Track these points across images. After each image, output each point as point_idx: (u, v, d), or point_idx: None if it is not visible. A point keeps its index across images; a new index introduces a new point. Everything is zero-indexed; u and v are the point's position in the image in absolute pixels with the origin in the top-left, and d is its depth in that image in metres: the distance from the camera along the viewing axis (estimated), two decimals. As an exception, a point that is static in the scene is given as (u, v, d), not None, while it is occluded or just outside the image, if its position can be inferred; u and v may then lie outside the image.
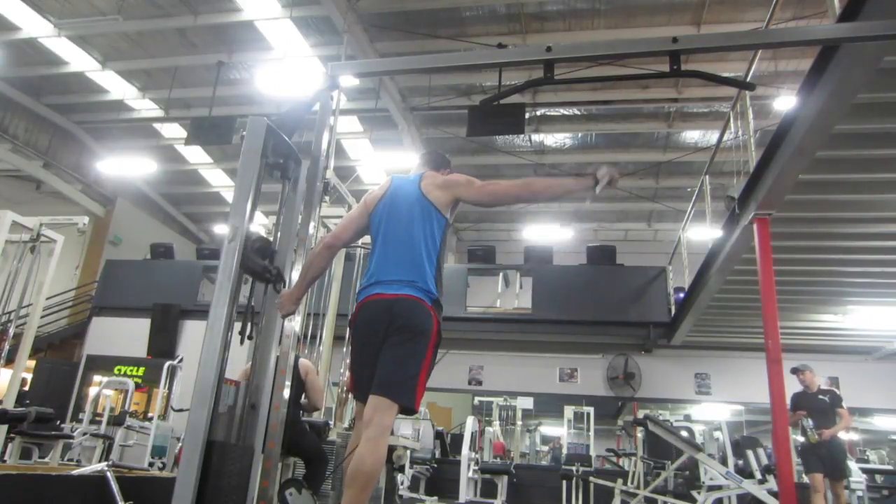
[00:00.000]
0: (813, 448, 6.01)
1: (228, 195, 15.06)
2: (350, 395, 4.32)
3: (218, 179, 15.37)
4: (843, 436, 6.60)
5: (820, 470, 5.92)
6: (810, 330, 8.47)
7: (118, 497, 3.39)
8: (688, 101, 11.12)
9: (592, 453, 9.83)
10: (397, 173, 2.88)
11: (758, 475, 6.92)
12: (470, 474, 8.03)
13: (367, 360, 2.44)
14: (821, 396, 6.23)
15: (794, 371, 6.31)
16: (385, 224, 2.62)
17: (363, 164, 13.28)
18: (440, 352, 2.55)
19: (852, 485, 7.06)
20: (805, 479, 6.27)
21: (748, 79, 5.11)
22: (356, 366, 2.54)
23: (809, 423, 6.07)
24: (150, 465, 7.47)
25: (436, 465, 8.74)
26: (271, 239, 2.94)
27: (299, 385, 4.51)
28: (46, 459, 5.60)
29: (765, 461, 7.41)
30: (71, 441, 6.71)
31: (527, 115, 9.16)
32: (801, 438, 6.23)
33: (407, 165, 10.71)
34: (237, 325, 2.65)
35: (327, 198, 6.33)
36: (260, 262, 2.70)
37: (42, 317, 8.53)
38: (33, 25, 10.19)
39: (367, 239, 2.77)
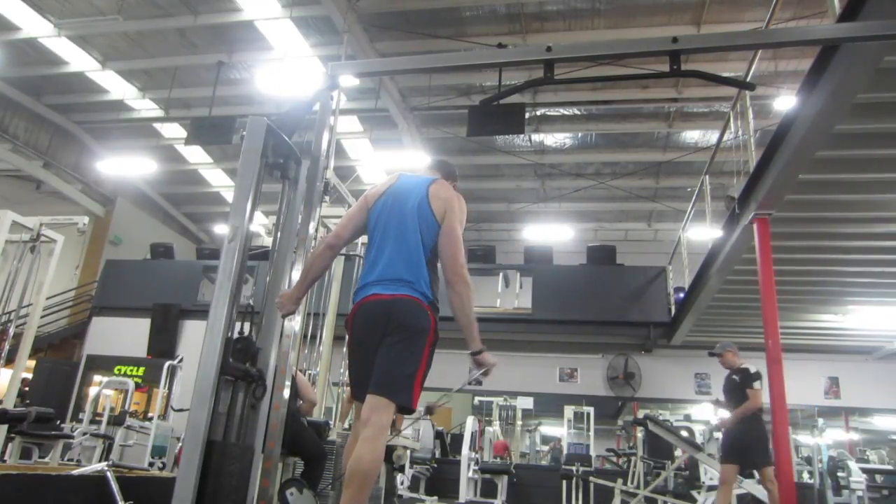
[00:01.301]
0: (725, 435, 5.61)
1: (228, 195, 15.06)
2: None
3: (218, 179, 15.37)
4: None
5: (731, 459, 5.43)
6: (810, 330, 8.47)
7: (118, 497, 3.39)
8: (688, 101, 11.11)
9: (592, 453, 9.82)
10: (405, 172, 2.85)
11: (758, 475, 6.92)
12: (470, 474, 8.02)
13: (364, 361, 2.44)
14: (734, 376, 5.70)
15: (712, 355, 5.90)
16: (384, 220, 2.60)
17: (363, 164, 13.28)
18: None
19: (852, 485, 7.06)
20: (802, 478, 6.16)
21: (748, 79, 5.11)
22: (354, 366, 2.54)
23: (721, 404, 5.74)
24: (150, 465, 7.47)
25: (436, 465, 8.73)
26: (270, 242, 2.93)
27: (292, 383, 4.53)
28: (46, 459, 5.59)
29: (765, 461, 7.41)
30: (71, 441, 6.70)
31: (527, 115, 9.16)
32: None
33: (407, 165, 10.72)
34: (237, 325, 2.66)
35: (327, 198, 6.33)
36: (241, 367, 2.64)
37: (42, 317, 8.52)
38: (33, 25, 10.18)
39: (366, 239, 2.75)
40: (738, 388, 5.56)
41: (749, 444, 5.35)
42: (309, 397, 4.75)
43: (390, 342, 2.39)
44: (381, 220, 2.61)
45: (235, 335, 2.67)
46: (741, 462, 5.42)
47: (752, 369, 5.55)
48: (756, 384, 5.44)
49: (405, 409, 2.39)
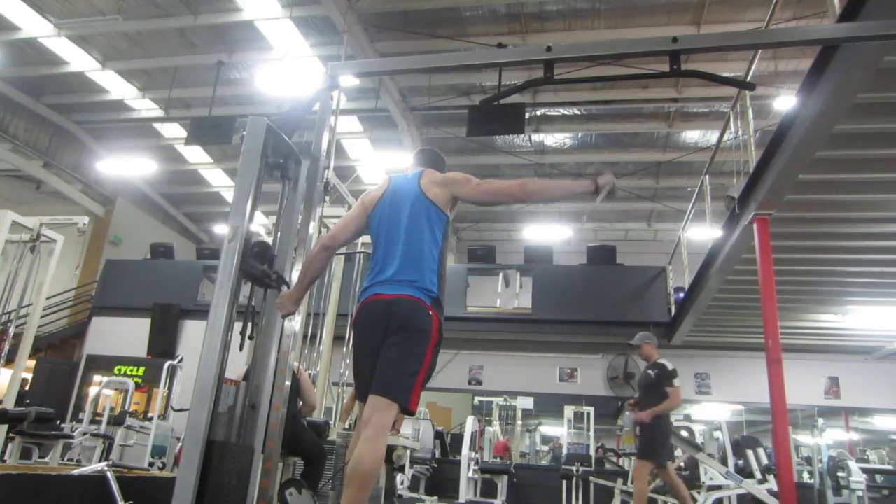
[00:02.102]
0: (642, 431, 5.48)
1: (228, 195, 15.06)
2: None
3: (218, 179, 15.37)
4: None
5: (647, 457, 5.38)
6: (810, 330, 8.47)
7: (118, 497, 3.39)
8: (688, 101, 11.12)
9: (592, 453, 9.83)
10: (395, 173, 2.87)
11: (758, 475, 6.92)
12: (470, 474, 8.02)
13: (368, 361, 2.44)
14: (650, 371, 5.58)
15: (629, 346, 5.75)
16: (385, 224, 2.61)
17: (363, 164, 13.28)
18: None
19: (852, 485, 7.05)
20: (802, 478, 6.12)
21: (748, 79, 5.11)
22: (358, 366, 2.54)
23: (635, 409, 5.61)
24: (150, 465, 7.46)
25: (436, 465, 8.73)
26: (270, 242, 2.93)
27: (294, 383, 4.52)
28: (46, 459, 5.60)
29: (765, 461, 7.41)
30: (71, 441, 6.70)
31: (527, 115, 9.15)
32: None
33: (407, 165, 10.72)
34: (237, 325, 2.66)
35: (327, 198, 6.32)
36: (259, 267, 2.70)
37: (42, 317, 8.52)
38: (33, 25, 10.18)
39: (366, 239, 2.76)
40: (654, 383, 5.49)
41: (651, 439, 5.35)
42: (309, 400, 4.74)
43: (392, 342, 2.39)
44: (383, 223, 2.62)
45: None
46: (656, 459, 5.37)
47: (670, 366, 5.49)
48: (675, 381, 5.40)
49: (405, 409, 2.39)
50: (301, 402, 4.70)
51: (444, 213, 2.60)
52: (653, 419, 5.33)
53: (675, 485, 5.42)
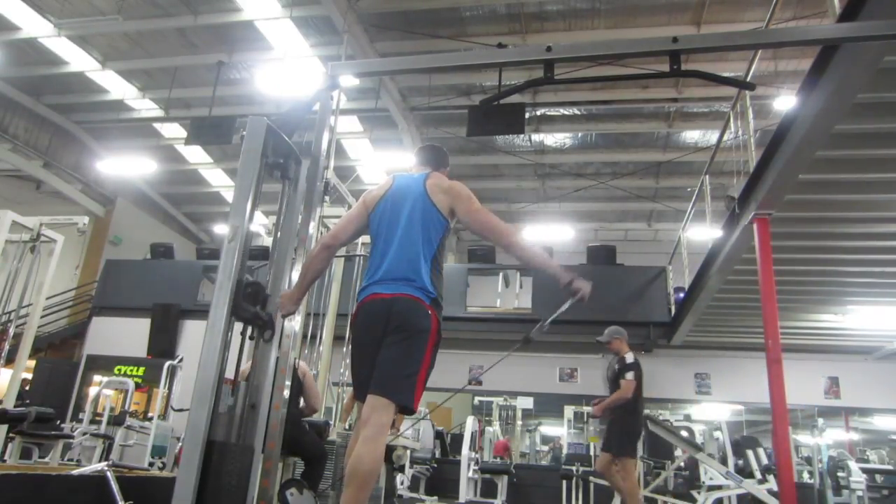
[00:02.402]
0: (608, 425, 5.63)
1: (228, 195, 15.06)
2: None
3: (218, 179, 15.37)
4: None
5: (607, 449, 5.52)
6: (810, 330, 8.47)
7: (118, 497, 3.39)
8: (688, 101, 11.12)
9: (592, 453, 9.82)
10: (398, 172, 2.86)
11: (758, 475, 6.92)
12: (470, 474, 8.02)
13: (366, 361, 2.44)
14: (615, 365, 5.66)
15: (599, 342, 5.78)
16: (386, 223, 2.61)
17: (363, 164, 13.28)
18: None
19: (852, 485, 7.06)
20: (802, 478, 6.12)
21: (748, 79, 5.11)
22: (356, 366, 2.54)
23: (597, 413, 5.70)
24: (150, 465, 7.47)
25: (436, 465, 8.73)
26: (271, 242, 2.93)
27: (297, 385, 4.51)
28: (46, 459, 5.60)
29: (765, 461, 7.42)
30: (71, 441, 6.71)
31: (527, 115, 9.17)
32: None
33: (407, 165, 10.71)
34: (237, 326, 2.66)
35: (327, 198, 6.32)
36: (251, 310, 2.68)
37: (42, 317, 8.52)
38: (33, 25, 10.18)
39: (366, 239, 2.75)
40: (615, 377, 5.58)
41: (628, 437, 5.44)
42: (311, 403, 4.71)
43: (391, 342, 2.39)
44: (383, 223, 2.62)
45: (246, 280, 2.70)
46: (615, 451, 5.44)
47: (629, 360, 5.54)
48: (629, 374, 5.45)
49: (406, 409, 2.39)
50: (303, 404, 4.69)
51: (444, 217, 2.59)
52: (611, 412, 5.47)
53: (616, 482, 5.48)
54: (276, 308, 2.77)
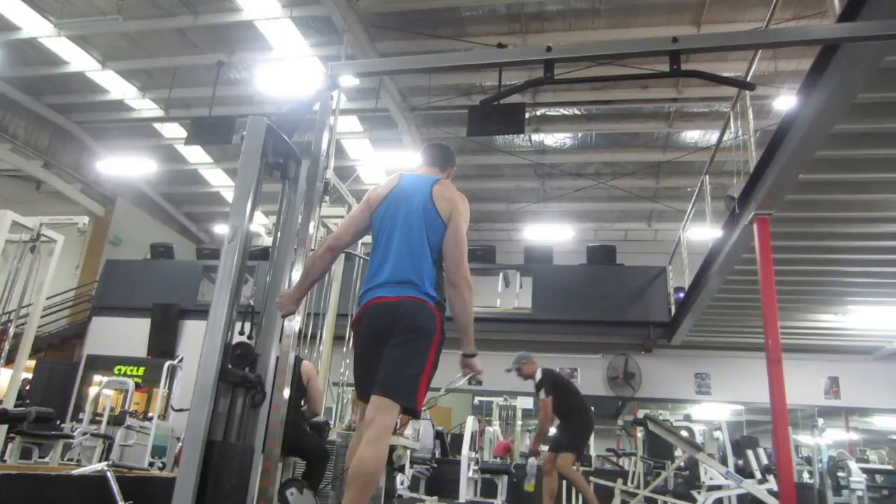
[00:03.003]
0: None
1: (228, 195, 15.05)
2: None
3: (218, 179, 15.37)
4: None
5: (552, 448, 5.77)
6: (810, 330, 8.47)
7: (118, 497, 3.38)
8: (688, 101, 11.11)
9: (592, 453, 9.82)
10: (403, 171, 2.84)
11: (758, 475, 6.92)
12: (470, 474, 8.02)
13: (370, 362, 2.44)
14: (535, 388, 5.75)
15: (509, 371, 5.89)
16: (388, 222, 2.59)
17: (363, 164, 13.28)
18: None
19: (852, 485, 7.05)
20: (802, 478, 6.14)
21: (748, 79, 5.11)
22: (359, 367, 2.53)
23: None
24: (150, 465, 7.47)
25: (436, 465, 8.72)
26: (271, 242, 2.93)
27: (300, 387, 4.50)
28: (46, 459, 5.60)
29: (765, 461, 7.41)
30: (71, 441, 6.70)
31: (527, 115, 9.16)
32: None
33: (407, 165, 10.71)
34: (237, 325, 2.66)
35: (327, 198, 6.33)
36: (239, 373, 2.64)
37: (42, 317, 8.52)
38: (33, 25, 10.18)
39: (367, 240, 2.74)
40: (537, 396, 5.72)
41: (573, 437, 5.67)
42: (312, 406, 4.70)
43: (396, 343, 2.38)
44: (385, 223, 2.60)
45: (235, 339, 2.68)
46: (560, 448, 5.63)
47: (538, 377, 5.64)
48: (541, 393, 5.55)
49: (410, 410, 2.38)
50: (304, 406, 4.67)
51: (444, 223, 2.58)
52: (540, 444, 5.79)
53: (549, 480, 5.66)
54: (265, 371, 2.77)
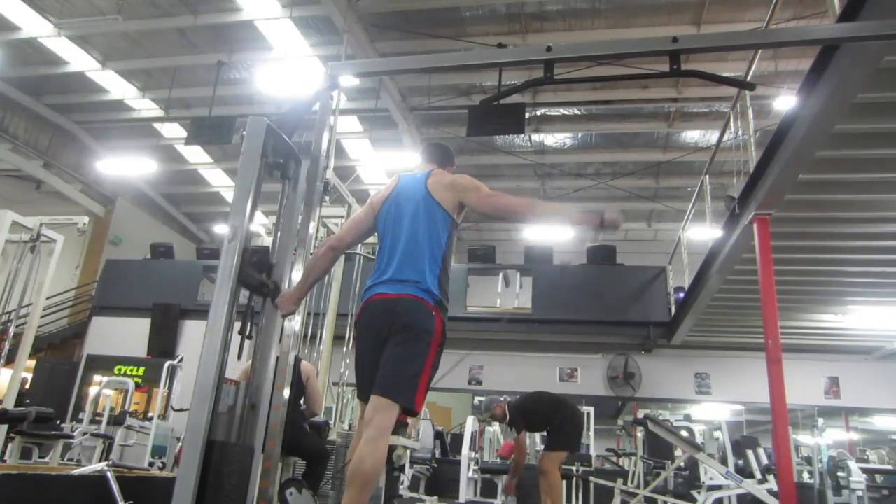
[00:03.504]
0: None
1: (228, 195, 15.06)
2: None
3: (218, 179, 15.37)
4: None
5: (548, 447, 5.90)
6: (810, 330, 8.47)
7: (118, 497, 3.38)
8: (688, 101, 11.11)
9: (592, 453, 9.81)
10: (402, 172, 2.85)
11: (758, 475, 6.91)
12: (470, 474, 8.01)
13: (369, 360, 2.44)
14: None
15: (483, 421, 6.07)
16: (391, 224, 2.61)
17: (363, 164, 13.28)
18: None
19: (852, 485, 7.05)
20: (802, 478, 6.14)
21: (748, 79, 5.11)
22: (359, 366, 2.53)
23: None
24: (150, 465, 7.46)
25: (436, 465, 8.72)
26: (270, 242, 2.93)
27: (300, 387, 4.50)
28: (46, 459, 5.59)
29: (765, 461, 7.41)
30: (71, 441, 6.70)
31: (527, 115, 9.15)
32: None
33: (407, 165, 10.71)
34: (237, 325, 2.65)
35: (327, 198, 6.32)
36: (257, 277, 2.69)
37: (42, 317, 8.52)
38: (33, 25, 10.18)
39: (369, 240, 2.76)
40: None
41: (565, 436, 5.69)
42: (311, 407, 4.69)
43: (395, 342, 2.38)
44: (388, 224, 2.62)
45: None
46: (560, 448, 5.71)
47: (509, 416, 5.74)
48: (513, 432, 5.75)
49: (408, 410, 2.38)
50: (304, 406, 4.67)
51: (450, 215, 2.58)
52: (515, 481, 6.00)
53: (543, 481, 5.67)
54: (281, 279, 2.78)
